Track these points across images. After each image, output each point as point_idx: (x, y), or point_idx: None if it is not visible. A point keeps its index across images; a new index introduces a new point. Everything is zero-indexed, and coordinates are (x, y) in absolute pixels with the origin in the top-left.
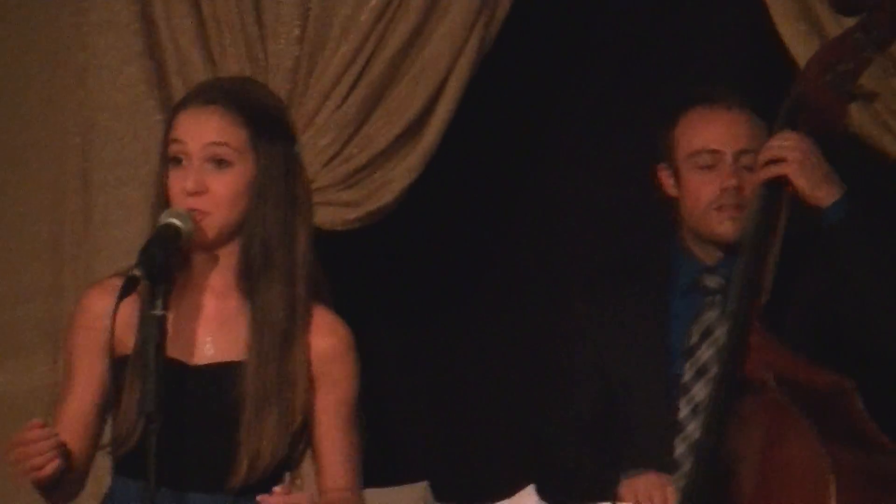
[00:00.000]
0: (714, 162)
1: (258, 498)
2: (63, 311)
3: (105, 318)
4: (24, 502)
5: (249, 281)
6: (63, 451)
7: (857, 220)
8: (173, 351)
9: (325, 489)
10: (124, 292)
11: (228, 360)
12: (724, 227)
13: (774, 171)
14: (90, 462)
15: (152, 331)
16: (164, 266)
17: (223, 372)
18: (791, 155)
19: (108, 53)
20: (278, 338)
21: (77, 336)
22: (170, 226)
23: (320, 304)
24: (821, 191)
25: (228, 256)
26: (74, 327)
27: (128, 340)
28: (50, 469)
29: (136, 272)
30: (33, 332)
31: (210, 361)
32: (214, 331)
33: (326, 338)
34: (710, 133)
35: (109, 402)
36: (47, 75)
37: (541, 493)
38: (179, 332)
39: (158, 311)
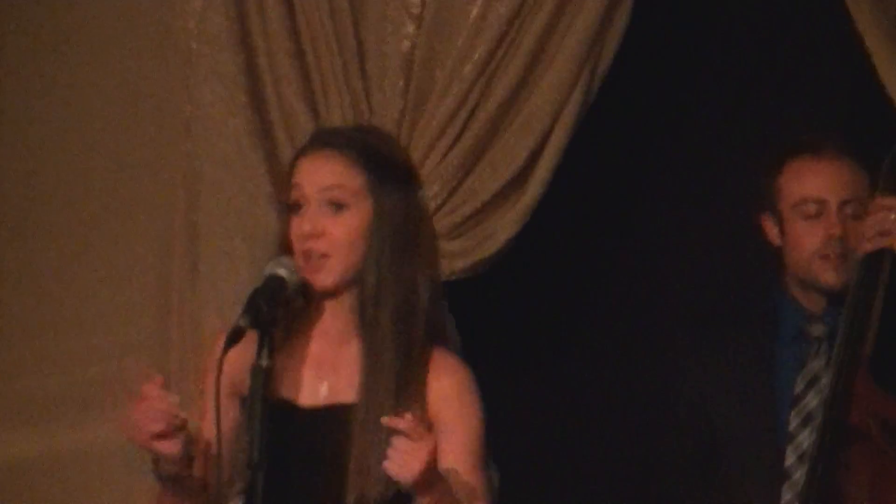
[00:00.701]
0: (819, 211)
1: (383, 420)
2: (169, 363)
3: (234, 361)
4: None
5: (364, 324)
6: (179, 425)
7: None
8: (287, 392)
9: None
10: (229, 343)
11: (340, 402)
12: (829, 276)
13: (882, 242)
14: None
15: (258, 381)
16: (270, 316)
17: (334, 414)
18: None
19: (213, 105)
20: (391, 380)
21: (208, 378)
22: (275, 276)
23: (441, 346)
24: None
25: (347, 300)
26: (206, 370)
27: (246, 383)
28: (155, 428)
29: (242, 323)
30: (139, 383)
31: (322, 403)
32: (330, 374)
33: (444, 379)
34: (816, 182)
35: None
36: (154, 126)
37: None
38: (295, 375)
39: (264, 362)
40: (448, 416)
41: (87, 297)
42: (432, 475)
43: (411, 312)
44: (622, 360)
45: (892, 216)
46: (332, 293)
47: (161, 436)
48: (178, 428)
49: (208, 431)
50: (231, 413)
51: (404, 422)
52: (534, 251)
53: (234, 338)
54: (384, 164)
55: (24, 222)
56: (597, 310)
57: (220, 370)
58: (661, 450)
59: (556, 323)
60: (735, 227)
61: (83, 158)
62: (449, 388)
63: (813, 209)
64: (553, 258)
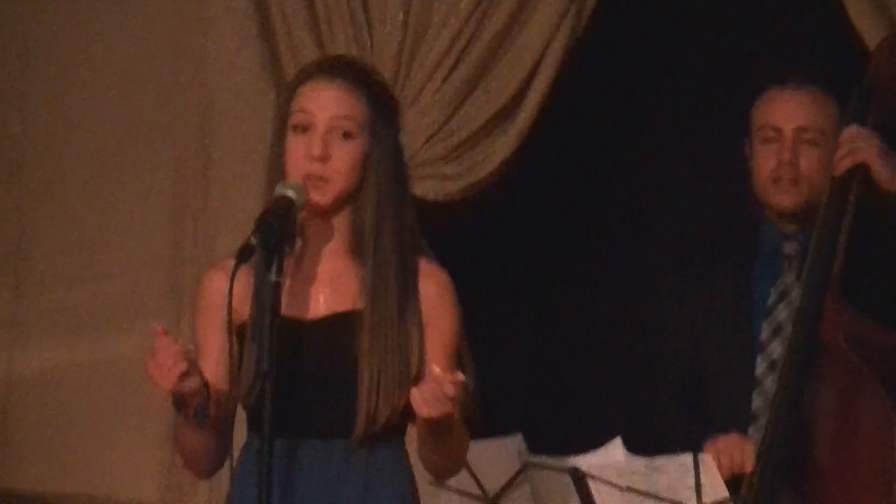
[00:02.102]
0: (775, 137)
1: (434, 369)
2: (184, 279)
3: (223, 295)
4: None
5: (362, 243)
6: (192, 362)
7: None
8: (288, 310)
9: None
10: (241, 259)
11: (340, 311)
12: (780, 198)
13: (854, 158)
14: (231, 426)
15: (268, 296)
16: (279, 235)
17: (339, 321)
18: (867, 144)
19: (225, 37)
20: (395, 293)
21: (201, 316)
22: (284, 197)
23: (422, 257)
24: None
25: (340, 222)
26: (197, 308)
27: (244, 310)
28: (181, 368)
29: (252, 241)
30: (156, 298)
31: (324, 314)
32: (326, 288)
33: (430, 285)
34: (774, 110)
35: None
36: (169, 58)
37: (627, 444)
38: (294, 292)
39: (273, 277)
40: (433, 317)
41: (108, 217)
42: (450, 418)
43: (405, 231)
44: (615, 284)
45: (858, 138)
46: (323, 214)
47: (186, 374)
48: (193, 363)
49: (207, 370)
50: (221, 343)
51: (454, 379)
52: (527, 190)
53: (246, 254)
54: (384, 101)
55: (48, 148)
56: (589, 236)
57: (232, 283)
58: (653, 370)
59: (551, 254)
60: (721, 154)
61: (104, 88)
62: (435, 292)
63: (770, 134)
64: (545, 195)
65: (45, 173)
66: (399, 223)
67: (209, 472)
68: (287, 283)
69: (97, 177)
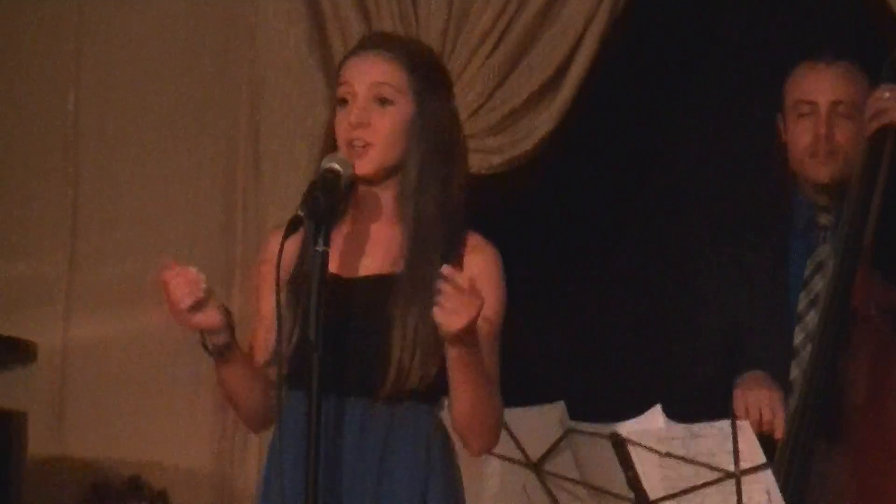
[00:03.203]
0: (811, 111)
1: (444, 269)
2: (234, 252)
3: (273, 251)
4: None
5: (407, 207)
6: (207, 291)
7: None
8: (334, 267)
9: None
10: (289, 232)
11: (383, 272)
12: (817, 171)
13: (882, 120)
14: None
15: (316, 265)
16: (326, 206)
17: (378, 283)
18: (894, 105)
19: (275, 16)
20: (434, 255)
21: (260, 273)
22: (331, 170)
23: (473, 231)
24: None
25: (388, 190)
26: (258, 264)
27: (287, 270)
28: (188, 301)
29: (301, 212)
30: (207, 270)
31: (366, 274)
32: (373, 251)
33: (478, 256)
34: (809, 85)
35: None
36: (221, 36)
37: (667, 411)
38: (342, 252)
39: (321, 248)
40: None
41: (160, 191)
42: (472, 333)
43: (450, 202)
44: (653, 255)
45: (887, 94)
46: (372, 180)
47: (196, 307)
48: (207, 294)
49: (265, 324)
50: (272, 300)
51: (463, 278)
52: (566, 165)
53: (294, 226)
54: (427, 69)
55: (101, 124)
56: (627, 210)
57: (280, 254)
58: (692, 340)
59: (591, 226)
60: (755, 129)
61: (156, 66)
62: (482, 267)
63: (805, 109)
64: (584, 169)
65: (98, 149)
66: (444, 190)
67: (257, 422)
68: (334, 242)
69: (149, 152)
